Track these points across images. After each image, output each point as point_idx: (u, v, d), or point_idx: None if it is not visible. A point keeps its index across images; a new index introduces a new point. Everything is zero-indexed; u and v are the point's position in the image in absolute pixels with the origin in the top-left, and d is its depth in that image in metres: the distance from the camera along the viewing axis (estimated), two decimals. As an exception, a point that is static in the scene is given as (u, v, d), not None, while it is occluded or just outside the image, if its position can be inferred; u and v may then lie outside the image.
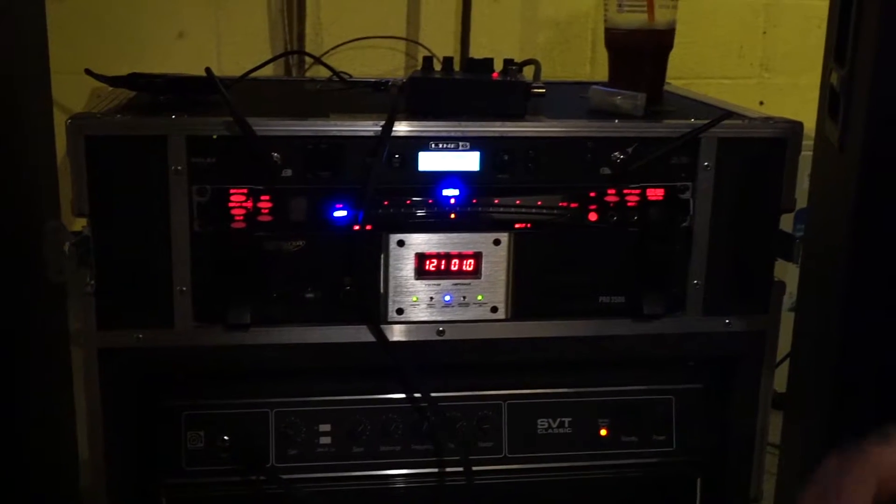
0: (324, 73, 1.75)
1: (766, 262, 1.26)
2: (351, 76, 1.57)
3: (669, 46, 1.39)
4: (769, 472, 1.63)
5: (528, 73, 1.34)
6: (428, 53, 2.53)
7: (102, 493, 1.21)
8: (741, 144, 1.22)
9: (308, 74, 2.43)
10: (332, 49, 2.53)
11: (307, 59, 2.46)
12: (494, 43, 2.64)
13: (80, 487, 1.57)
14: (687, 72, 2.68)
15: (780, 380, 1.91)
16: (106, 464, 1.20)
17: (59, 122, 1.50)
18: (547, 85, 1.28)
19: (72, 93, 1.79)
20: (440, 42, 2.61)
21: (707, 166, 1.21)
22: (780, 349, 1.95)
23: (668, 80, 1.45)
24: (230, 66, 2.42)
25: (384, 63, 2.57)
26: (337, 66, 2.57)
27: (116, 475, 1.21)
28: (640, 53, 1.37)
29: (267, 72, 2.31)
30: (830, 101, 1.38)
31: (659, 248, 1.22)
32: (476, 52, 2.59)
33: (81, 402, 1.24)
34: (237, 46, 2.49)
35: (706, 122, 1.20)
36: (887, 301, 1.26)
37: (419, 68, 1.27)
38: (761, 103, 2.81)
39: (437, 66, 1.30)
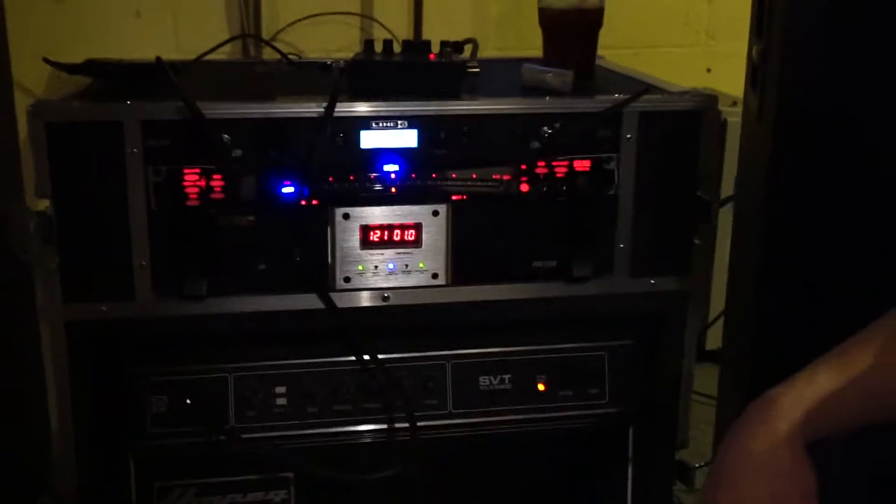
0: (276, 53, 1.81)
1: (686, 226, 1.35)
2: (300, 57, 1.64)
3: (599, 24, 1.47)
4: (707, 422, 1.74)
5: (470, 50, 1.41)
6: (382, 28, 2.59)
7: (72, 458, 1.29)
8: (660, 117, 1.31)
9: (265, 53, 2.48)
10: (287, 26, 2.57)
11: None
12: (447, 16, 2.69)
13: (52, 458, 1.64)
14: (634, 41, 2.75)
15: (716, 336, 2.01)
16: (75, 430, 1.28)
17: (20, 104, 1.56)
18: (489, 62, 1.36)
19: (32, 75, 1.83)
20: (394, 17, 2.65)
21: (629, 138, 1.30)
22: (716, 308, 2.06)
23: (616, 49, 1.51)
24: (188, 44, 2.46)
25: (339, 39, 2.62)
26: (293, 43, 2.62)
27: (85, 441, 1.28)
28: (570, 32, 1.44)
29: (226, 50, 2.36)
30: (752, 73, 1.48)
31: (587, 215, 1.31)
32: (429, 26, 2.65)
33: (51, 376, 1.30)
34: (194, 25, 2.52)
35: (627, 97, 1.28)
36: (800, 260, 1.35)
37: (361, 51, 1.34)
38: (708, 70, 2.88)
39: (379, 48, 1.36)
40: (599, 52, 1.59)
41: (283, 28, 2.57)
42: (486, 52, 2.63)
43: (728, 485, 0.93)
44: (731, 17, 2.72)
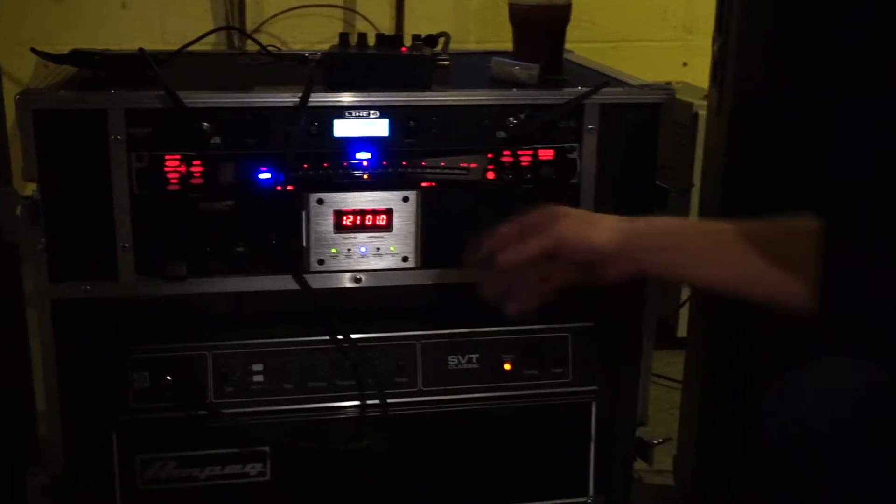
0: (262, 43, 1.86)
1: (645, 214, 1.40)
2: (281, 49, 1.69)
3: (566, 20, 1.52)
4: (675, 406, 1.81)
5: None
6: (364, 21, 2.65)
7: (58, 433, 1.34)
8: (621, 109, 1.36)
9: (249, 44, 2.53)
10: (271, 18, 2.63)
11: (247, 29, 2.56)
12: (429, 10, 2.75)
13: (38, 432, 1.69)
14: (613, 35, 2.81)
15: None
16: (61, 405, 1.33)
17: (7, 91, 1.61)
18: (462, 55, 1.41)
19: (19, 64, 1.89)
20: (376, 10, 2.71)
21: (591, 129, 1.36)
22: (686, 292, 2.12)
23: (595, 42, 1.55)
24: (174, 35, 2.52)
25: (322, 31, 2.67)
26: (278, 35, 2.67)
27: (71, 416, 1.34)
28: (538, 27, 1.50)
29: (210, 41, 2.41)
30: (714, 68, 1.54)
31: (550, 202, 1.36)
32: (411, 19, 2.71)
33: (37, 359, 1.36)
34: (179, 16, 2.57)
35: (588, 89, 1.35)
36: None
37: (336, 44, 1.40)
38: (685, 64, 2.95)
39: (354, 41, 1.42)
40: (579, 45, 1.65)
41: (267, 20, 2.63)
42: (467, 44, 2.70)
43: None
44: (709, 13, 2.77)
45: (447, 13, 2.78)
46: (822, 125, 1.27)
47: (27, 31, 2.34)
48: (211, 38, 2.40)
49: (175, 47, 1.54)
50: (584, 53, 1.71)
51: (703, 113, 2.13)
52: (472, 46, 2.66)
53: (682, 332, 2.21)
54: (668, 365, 2.08)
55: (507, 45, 1.56)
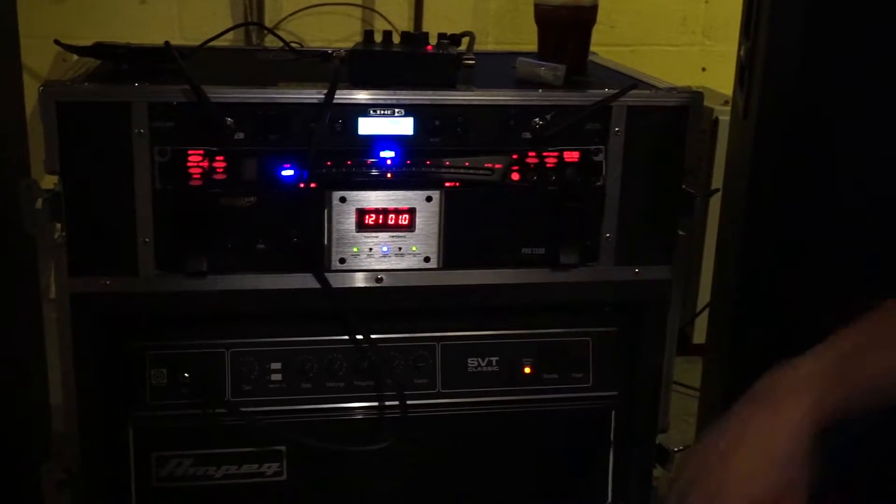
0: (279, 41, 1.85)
1: (670, 218, 1.40)
2: (302, 45, 1.68)
3: (592, 21, 1.51)
4: (692, 414, 1.79)
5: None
6: (383, 20, 2.64)
7: (75, 428, 1.33)
8: (648, 112, 1.35)
9: (267, 41, 2.53)
10: (290, 16, 2.63)
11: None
12: (447, 10, 2.74)
13: (52, 427, 1.68)
14: (632, 39, 2.80)
15: (703, 330, 2.06)
16: (78, 400, 1.32)
17: (26, 83, 1.60)
18: (485, 55, 1.39)
19: (36, 56, 1.88)
20: (394, 9, 2.70)
21: (617, 131, 1.34)
22: (704, 300, 2.11)
23: (615, 46, 1.55)
24: (192, 31, 2.51)
25: (341, 30, 2.66)
26: (296, 32, 2.67)
27: (88, 411, 1.33)
28: (564, 28, 1.49)
29: (229, 37, 2.40)
30: (740, 72, 1.53)
31: (574, 204, 1.36)
32: (429, 19, 2.70)
33: (53, 353, 1.34)
34: (198, 12, 2.57)
35: (615, 91, 1.33)
36: (780, 254, 1.40)
37: (361, 41, 1.39)
38: (703, 69, 2.94)
39: (379, 39, 1.41)
40: (598, 49, 1.64)
41: (286, 17, 2.62)
42: (485, 45, 2.69)
43: (711, 469, 0.90)
44: (727, 18, 2.77)
45: (466, 14, 2.77)
46: (852, 130, 1.25)
47: (44, 25, 2.34)
48: (228, 35, 2.39)
49: (194, 43, 1.53)
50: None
51: (724, 118, 2.12)
52: (490, 47, 2.65)
53: (698, 338, 2.19)
54: (684, 372, 2.06)
55: (527, 47, 1.55)
